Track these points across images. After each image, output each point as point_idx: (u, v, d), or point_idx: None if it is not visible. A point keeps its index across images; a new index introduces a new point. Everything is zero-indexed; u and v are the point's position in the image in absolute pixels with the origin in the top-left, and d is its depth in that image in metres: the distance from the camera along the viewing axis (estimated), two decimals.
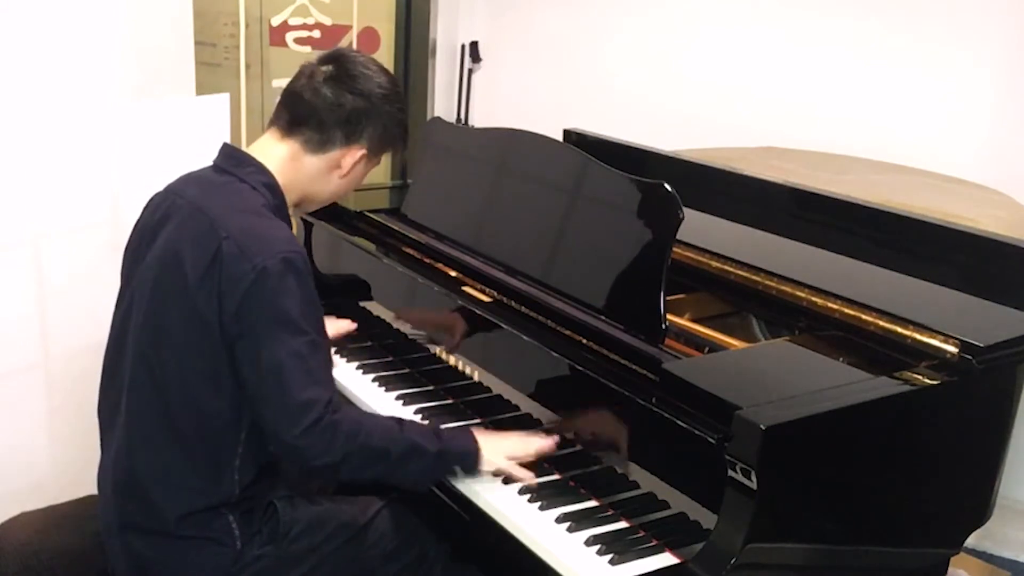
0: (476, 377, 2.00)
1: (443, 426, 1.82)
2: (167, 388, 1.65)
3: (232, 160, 1.75)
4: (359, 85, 1.75)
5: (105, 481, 1.75)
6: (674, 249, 1.79)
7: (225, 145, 1.79)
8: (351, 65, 1.77)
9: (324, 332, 1.67)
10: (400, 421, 1.72)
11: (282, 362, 1.58)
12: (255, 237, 1.61)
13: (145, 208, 1.79)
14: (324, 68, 1.76)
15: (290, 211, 1.79)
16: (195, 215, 1.67)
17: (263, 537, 1.71)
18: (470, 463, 1.74)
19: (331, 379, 1.67)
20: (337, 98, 1.73)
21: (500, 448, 1.77)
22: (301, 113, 1.75)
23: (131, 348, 1.70)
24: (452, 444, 1.73)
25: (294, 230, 1.78)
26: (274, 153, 1.76)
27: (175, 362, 1.64)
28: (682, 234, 1.78)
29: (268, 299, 1.58)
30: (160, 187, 1.79)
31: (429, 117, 4.25)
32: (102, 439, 1.79)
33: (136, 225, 1.79)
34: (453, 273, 2.17)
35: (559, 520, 1.65)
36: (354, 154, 1.77)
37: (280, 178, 1.74)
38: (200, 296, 1.61)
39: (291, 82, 1.79)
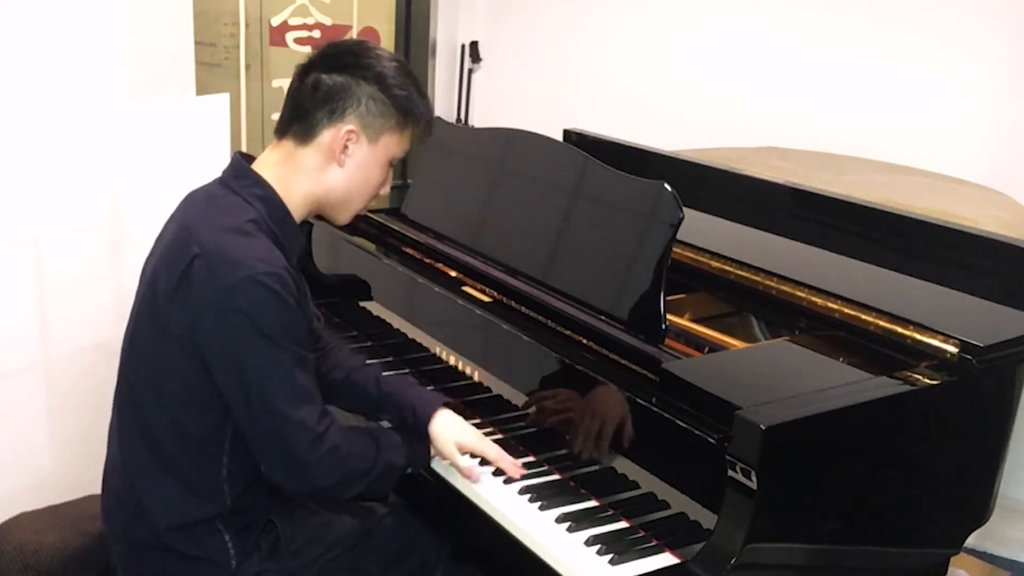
0: (476, 377, 1.99)
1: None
2: (145, 407, 1.63)
3: (233, 172, 1.68)
4: (338, 62, 1.65)
5: (106, 487, 1.75)
6: (674, 249, 1.79)
7: (236, 155, 1.70)
8: (331, 48, 1.70)
9: (307, 346, 1.61)
10: (373, 436, 1.71)
11: (266, 382, 1.53)
12: (226, 257, 1.53)
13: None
14: (307, 60, 1.69)
15: (299, 220, 1.69)
16: (180, 231, 1.61)
17: (262, 553, 1.69)
18: (424, 462, 1.78)
19: (318, 394, 1.61)
20: (315, 81, 1.64)
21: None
22: (288, 109, 1.68)
23: (122, 364, 1.70)
24: (413, 452, 1.75)
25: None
26: (270, 159, 1.68)
27: (150, 382, 1.62)
28: (682, 234, 1.78)
29: (238, 321, 1.51)
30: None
31: None
32: (108, 442, 1.78)
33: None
34: (453, 273, 2.17)
35: (559, 520, 1.65)
36: (340, 132, 1.63)
37: (279, 185, 1.65)
38: (172, 315, 1.56)
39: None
